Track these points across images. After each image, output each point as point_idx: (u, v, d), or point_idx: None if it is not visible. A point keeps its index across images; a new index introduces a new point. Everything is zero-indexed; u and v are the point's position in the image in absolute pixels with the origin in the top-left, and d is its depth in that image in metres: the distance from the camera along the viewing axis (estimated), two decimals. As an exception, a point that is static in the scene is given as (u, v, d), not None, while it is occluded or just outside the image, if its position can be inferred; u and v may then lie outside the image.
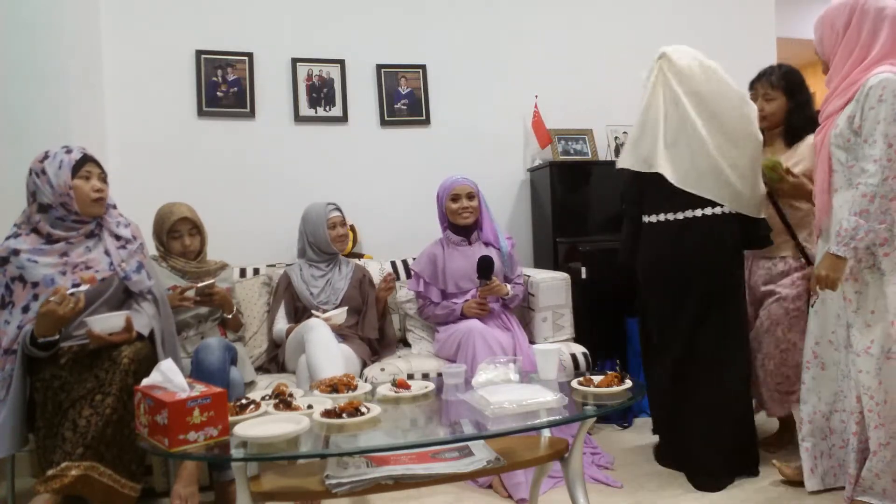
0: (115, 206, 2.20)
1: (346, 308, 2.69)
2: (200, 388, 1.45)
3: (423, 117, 3.63)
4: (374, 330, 2.83)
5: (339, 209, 2.98)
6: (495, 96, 3.71)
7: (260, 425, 1.44)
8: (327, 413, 1.50)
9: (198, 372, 2.13)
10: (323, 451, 1.39)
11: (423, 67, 3.63)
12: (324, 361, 2.32)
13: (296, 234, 3.03)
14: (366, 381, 2.38)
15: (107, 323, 1.92)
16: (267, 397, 1.71)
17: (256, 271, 3.08)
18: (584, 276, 3.15)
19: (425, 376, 2.56)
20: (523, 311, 3.03)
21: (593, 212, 3.47)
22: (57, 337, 1.89)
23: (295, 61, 3.47)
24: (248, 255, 3.19)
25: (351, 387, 1.80)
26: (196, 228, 2.62)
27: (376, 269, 3.18)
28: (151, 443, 1.41)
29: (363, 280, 2.95)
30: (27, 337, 1.87)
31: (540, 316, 2.90)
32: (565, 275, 2.96)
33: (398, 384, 1.82)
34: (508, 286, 2.77)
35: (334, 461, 1.57)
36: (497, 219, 3.67)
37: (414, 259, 3.32)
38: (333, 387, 1.79)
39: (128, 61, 3.23)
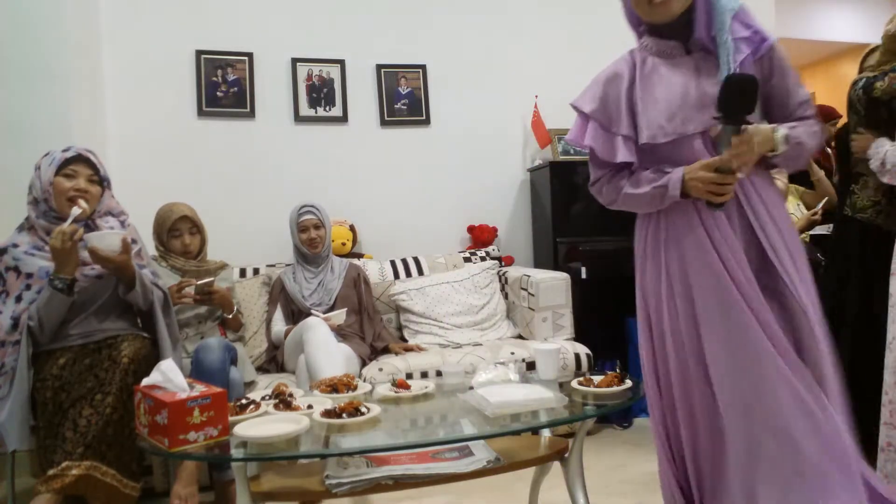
0: (115, 214, 2.19)
1: (346, 309, 2.69)
2: (200, 388, 1.45)
3: (424, 117, 3.63)
4: (391, 338, 2.87)
5: (314, 211, 2.87)
6: (495, 96, 3.71)
7: (260, 425, 1.44)
8: (327, 413, 1.50)
9: (198, 372, 2.13)
10: (322, 451, 1.39)
11: (423, 67, 3.63)
12: (323, 361, 2.32)
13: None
14: (364, 380, 2.38)
15: (104, 240, 1.98)
16: (267, 397, 1.71)
17: (256, 271, 3.08)
18: (583, 275, 3.15)
19: (424, 375, 2.56)
20: (523, 311, 3.03)
21: (593, 212, 3.46)
22: (72, 278, 1.94)
23: (295, 61, 3.47)
24: (248, 255, 3.19)
25: (351, 387, 1.80)
26: (196, 227, 2.63)
27: (376, 269, 3.18)
28: (151, 443, 1.41)
29: (358, 279, 2.95)
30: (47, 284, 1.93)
31: (540, 316, 2.90)
32: (565, 275, 2.97)
33: (398, 384, 1.82)
34: (781, 129, 1.39)
35: (334, 461, 1.57)
36: (497, 219, 3.69)
37: (415, 258, 3.32)
38: (333, 387, 1.79)
39: (128, 61, 3.23)
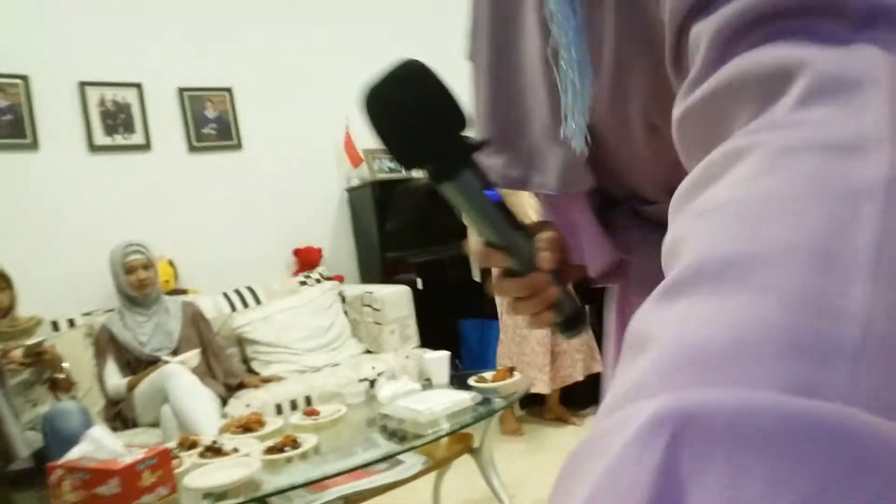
0: None
1: (199, 350, 2.57)
2: (137, 451, 1.36)
3: (235, 141, 3.54)
4: (243, 373, 2.76)
5: (140, 250, 2.69)
6: (306, 117, 3.73)
7: (209, 474, 1.40)
8: (270, 450, 1.51)
9: (57, 440, 1.89)
10: (300, 480, 1.41)
11: (229, 90, 3.53)
12: (193, 407, 2.21)
13: (105, 276, 2.78)
14: (228, 419, 2.30)
15: None
16: (176, 450, 1.63)
17: (72, 322, 2.74)
18: (420, 286, 3.39)
19: (293, 404, 2.56)
20: (369, 326, 3.16)
21: (414, 225, 3.72)
22: None
23: (83, 84, 3.13)
24: (53, 306, 2.80)
25: (261, 423, 1.79)
26: (4, 280, 2.29)
27: (209, 304, 3.04)
28: (87, 520, 1.29)
29: (195, 316, 2.82)
30: None
31: (388, 329, 3.07)
32: (406, 287, 3.17)
33: (308, 413, 1.86)
34: None
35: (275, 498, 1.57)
36: (319, 240, 3.73)
37: (249, 288, 3.23)
38: (244, 426, 1.77)
39: None
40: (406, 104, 0.45)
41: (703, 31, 0.28)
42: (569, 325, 0.55)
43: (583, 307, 0.58)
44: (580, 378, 2.85)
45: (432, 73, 0.44)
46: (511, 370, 1.97)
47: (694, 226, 0.23)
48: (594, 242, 0.54)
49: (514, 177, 0.51)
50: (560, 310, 0.54)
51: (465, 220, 0.50)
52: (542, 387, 2.75)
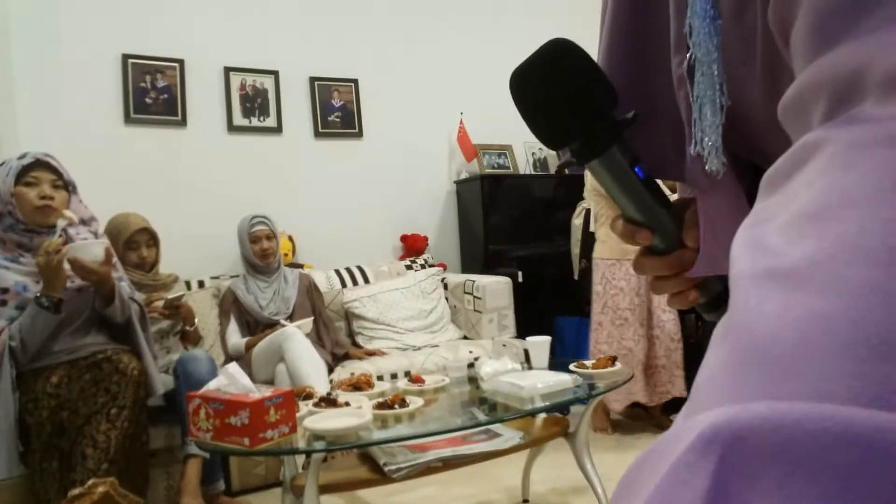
0: (86, 222, 2.11)
1: (312, 318, 2.75)
2: (266, 389, 1.50)
3: (356, 130, 3.73)
4: (349, 344, 2.93)
5: (265, 222, 2.92)
6: (423, 112, 3.90)
7: (325, 420, 1.52)
8: (381, 405, 1.62)
9: (187, 384, 2.10)
10: (407, 433, 1.51)
11: (355, 82, 3.74)
12: (307, 368, 2.38)
13: (233, 244, 3.02)
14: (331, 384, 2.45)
15: (87, 250, 1.89)
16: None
17: (201, 283, 3.01)
18: (520, 279, 3.44)
19: (393, 376, 2.68)
20: (468, 313, 3.24)
21: (520, 221, 3.77)
22: (59, 296, 1.84)
23: (228, 70, 3.42)
24: (187, 268, 3.08)
25: (370, 384, 1.91)
26: (153, 239, 2.55)
27: (322, 279, 3.23)
28: (219, 445, 1.44)
29: (310, 288, 3.01)
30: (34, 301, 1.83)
31: (486, 317, 3.14)
32: (508, 279, 3.23)
33: (414, 379, 1.96)
34: None
35: (381, 450, 1.68)
36: (426, 228, 3.87)
37: (359, 267, 3.41)
38: (355, 385, 1.89)
39: (43, 62, 3.02)
40: (552, 83, 0.45)
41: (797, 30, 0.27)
42: (715, 306, 0.51)
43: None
44: (679, 395, 2.80)
45: (579, 50, 0.44)
46: (612, 359, 1.98)
47: (767, 223, 0.23)
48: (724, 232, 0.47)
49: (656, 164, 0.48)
50: (706, 290, 0.51)
51: (611, 196, 0.49)
52: (641, 397, 2.74)
